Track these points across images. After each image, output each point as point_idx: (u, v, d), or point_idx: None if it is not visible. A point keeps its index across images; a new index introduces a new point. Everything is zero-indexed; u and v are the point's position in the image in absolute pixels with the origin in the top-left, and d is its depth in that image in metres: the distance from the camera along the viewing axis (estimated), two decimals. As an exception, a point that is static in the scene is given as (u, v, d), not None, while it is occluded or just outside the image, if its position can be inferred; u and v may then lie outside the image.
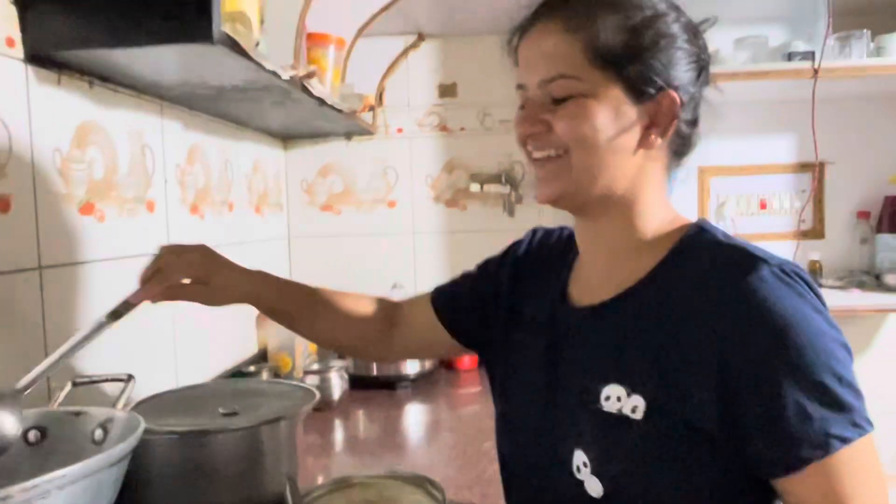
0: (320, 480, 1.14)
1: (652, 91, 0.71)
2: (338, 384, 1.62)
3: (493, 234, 2.11)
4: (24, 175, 0.97)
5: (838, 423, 0.60)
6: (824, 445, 0.60)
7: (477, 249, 2.06)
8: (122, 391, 0.80)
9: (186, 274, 0.88)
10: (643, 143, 0.72)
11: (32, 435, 0.75)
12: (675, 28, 0.72)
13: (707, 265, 0.68)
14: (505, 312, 0.90)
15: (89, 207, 1.12)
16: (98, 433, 0.72)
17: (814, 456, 0.60)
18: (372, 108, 2.04)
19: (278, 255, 2.08)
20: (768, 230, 2.10)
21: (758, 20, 1.88)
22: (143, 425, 0.65)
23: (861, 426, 0.61)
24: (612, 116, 0.70)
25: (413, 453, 1.33)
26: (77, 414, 0.74)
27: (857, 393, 0.62)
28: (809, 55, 1.70)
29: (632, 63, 0.70)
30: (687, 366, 0.66)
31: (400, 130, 2.13)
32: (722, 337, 0.64)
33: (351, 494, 1.05)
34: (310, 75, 1.33)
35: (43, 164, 1.01)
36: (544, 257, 0.90)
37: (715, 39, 1.97)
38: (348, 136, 2.11)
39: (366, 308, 1.02)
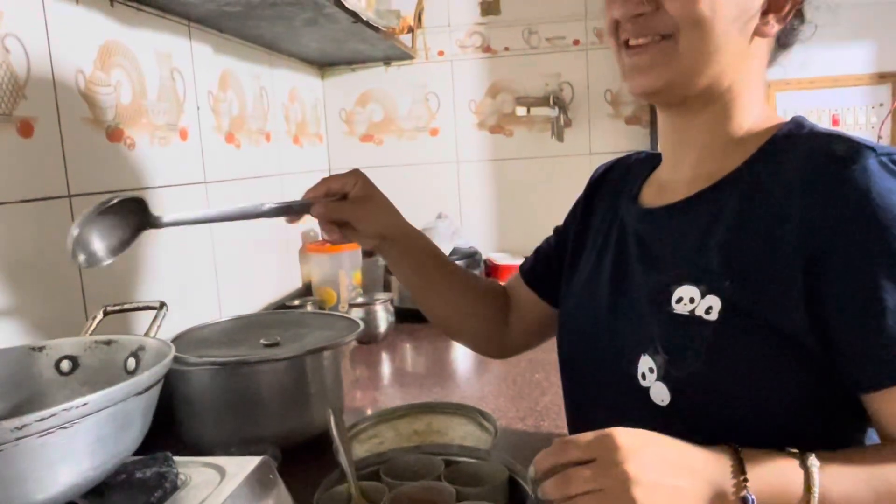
0: (368, 413, 1.11)
1: None
2: (383, 317, 1.58)
3: (541, 160, 2.01)
4: (45, 98, 0.91)
5: None
6: None
7: (524, 177, 2.01)
8: (154, 319, 0.76)
9: (349, 186, 0.82)
10: (759, 29, 0.65)
11: (65, 364, 0.71)
12: None
13: (803, 158, 0.61)
14: (578, 233, 0.85)
15: (118, 134, 1.07)
16: (130, 362, 0.69)
17: None
18: (411, 31, 1.92)
19: (319, 188, 2.02)
20: (841, 148, 1.94)
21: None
22: (172, 352, 0.61)
23: None
24: None
25: (462, 386, 1.29)
26: (108, 343, 0.70)
27: None
28: (897, -54, 1.52)
29: None
30: (773, 264, 0.59)
31: (441, 53, 2.02)
32: (816, 231, 0.57)
33: (399, 426, 1.01)
34: (342, -14, 1.23)
35: (66, 85, 0.95)
36: (620, 175, 0.85)
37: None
38: (387, 61, 2.01)
39: (491, 287, 0.96)
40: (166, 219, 0.73)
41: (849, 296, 0.56)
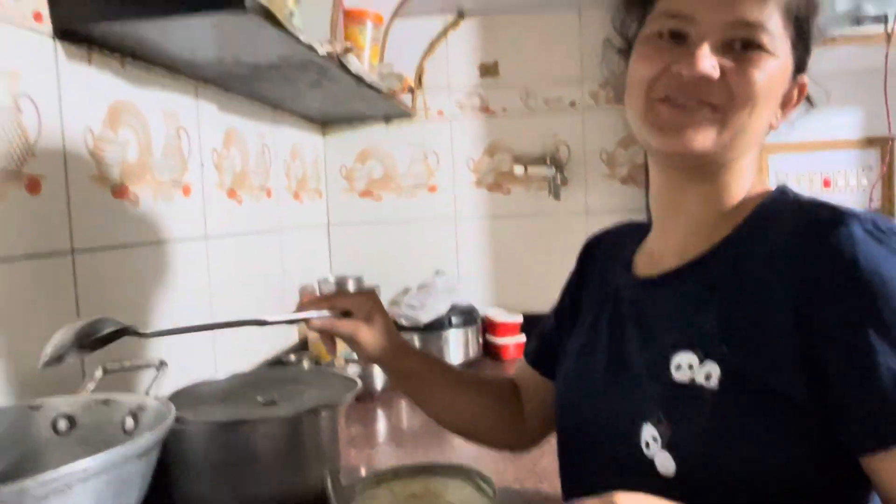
0: (363, 473, 1.09)
1: (801, 70, 0.69)
2: (380, 374, 1.57)
3: (538, 218, 2.03)
4: (54, 155, 0.93)
5: None
6: None
7: (521, 234, 2.03)
8: (154, 378, 0.75)
9: (354, 304, 0.86)
10: (772, 121, 0.70)
11: (62, 423, 0.71)
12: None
13: (790, 225, 0.63)
14: (572, 305, 0.86)
15: (123, 190, 1.08)
16: (129, 422, 0.68)
17: None
18: (411, 91, 1.97)
19: (318, 243, 2.04)
20: (833, 210, 1.97)
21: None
22: (172, 414, 0.60)
23: None
24: (780, 84, 0.67)
25: (459, 445, 1.27)
26: (106, 402, 0.70)
27: None
28: (881, 19, 1.58)
29: (807, 35, 0.68)
30: (768, 330, 0.60)
31: (440, 113, 2.06)
32: (808, 297, 0.58)
33: (395, 488, 0.99)
34: (347, 51, 1.27)
35: (74, 144, 0.97)
36: (610, 245, 0.87)
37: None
38: (387, 119, 2.06)
39: (499, 384, 0.97)
40: (152, 331, 0.76)
41: (843, 360, 0.57)
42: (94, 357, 0.95)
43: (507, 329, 1.94)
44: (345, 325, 0.85)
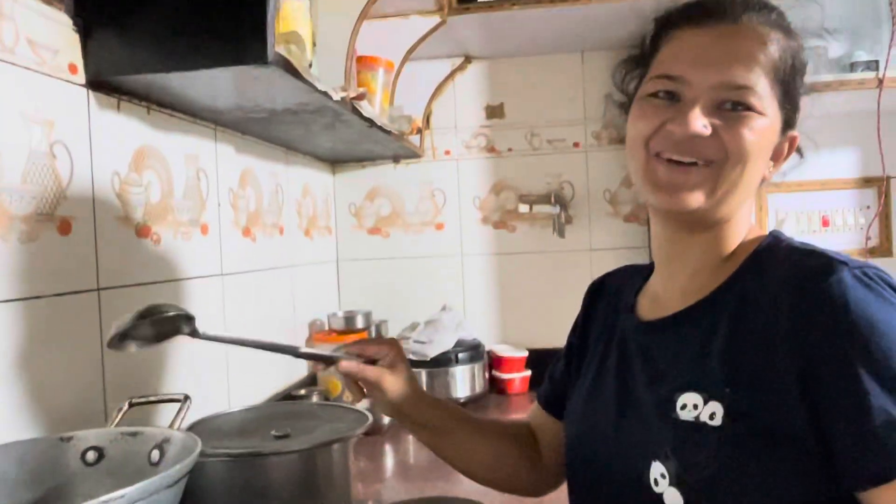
0: (373, 506, 1.11)
1: (790, 127, 0.73)
2: (388, 408, 1.60)
3: (543, 255, 2.08)
4: (84, 198, 0.98)
5: None
6: None
7: (526, 271, 2.07)
8: (179, 411, 0.79)
9: (382, 354, 0.89)
10: (765, 173, 0.74)
11: (91, 455, 0.74)
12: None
13: (784, 271, 0.67)
14: (579, 348, 0.90)
15: (146, 230, 1.13)
16: (155, 454, 0.72)
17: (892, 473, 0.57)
18: (419, 131, 2.04)
19: (327, 279, 2.08)
20: (833, 247, 2.00)
21: (816, 31, 1.81)
22: (199, 446, 0.64)
23: None
24: (769, 141, 0.71)
25: (467, 480, 1.29)
26: (134, 434, 0.73)
27: None
28: (873, 65, 1.64)
29: (794, 94, 0.72)
30: (768, 371, 0.63)
31: (448, 152, 2.12)
32: (803, 342, 0.62)
33: (404, 522, 1.02)
34: (360, 97, 1.33)
35: (102, 187, 1.02)
36: (614, 287, 0.91)
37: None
38: (396, 159, 2.12)
39: (515, 429, 0.99)
40: (204, 333, 0.79)
41: (838, 401, 0.60)
42: (121, 392, 1.00)
43: (512, 364, 1.97)
44: (371, 372, 0.87)
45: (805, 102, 0.76)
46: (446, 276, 2.11)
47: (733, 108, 0.69)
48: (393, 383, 0.88)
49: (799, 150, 0.78)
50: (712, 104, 0.69)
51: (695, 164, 0.70)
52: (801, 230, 2.03)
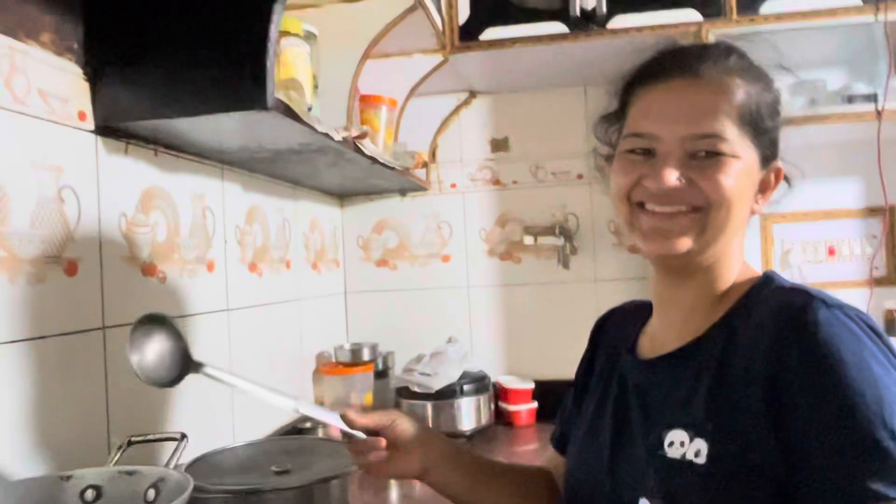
0: (373, 542, 1.12)
1: (771, 160, 0.76)
2: (392, 441, 1.60)
3: (548, 286, 2.09)
4: (90, 240, 1.02)
5: (882, 478, 0.58)
6: (861, 499, 0.58)
7: (532, 302, 2.08)
8: (175, 450, 0.81)
9: (412, 430, 0.87)
10: (752, 207, 0.76)
11: (90, 493, 0.76)
12: (782, 102, 0.77)
13: (770, 309, 0.69)
14: (584, 385, 0.92)
15: (152, 269, 1.16)
16: (150, 493, 0.74)
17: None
18: (425, 165, 2.07)
19: (335, 311, 2.11)
20: (839, 278, 2.00)
21: (814, 64, 1.83)
22: (191, 487, 0.66)
23: None
24: (749, 179, 0.74)
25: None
26: (131, 473, 0.75)
27: None
28: (872, 97, 1.65)
29: (767, 133, 0.74)
30: (746, 407, 0.65)
31: (453, 186, 2.15)
32: (775, 376, 0.64)
33: (403, 558, 1.02)
34: (362, 136, 1.37)
35: (109, 228, 1.06)
36: (617, 325, 0.93)
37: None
38: (402, 192, 2.15)
39: (537, 473, 0.99)
40: (207, 370, 0.81)
41: (804, 440, 0.62)
42: (124, 428, 1.02)
43: (519, 396, 1.97)
44: (379, 457, 0.86)
45: (787, 133, 0.79)
46: (453, 307, 2.13)
47: (707, 156, 0.71)
48: (407, 462, 0.86)
49: (787, 179, 0.80)
50: (685, 155, 0.72)
51: (680, 210, 0.72)
52: (808, 260, 2.03)
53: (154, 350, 0.79)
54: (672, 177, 0.71)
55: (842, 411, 0.60)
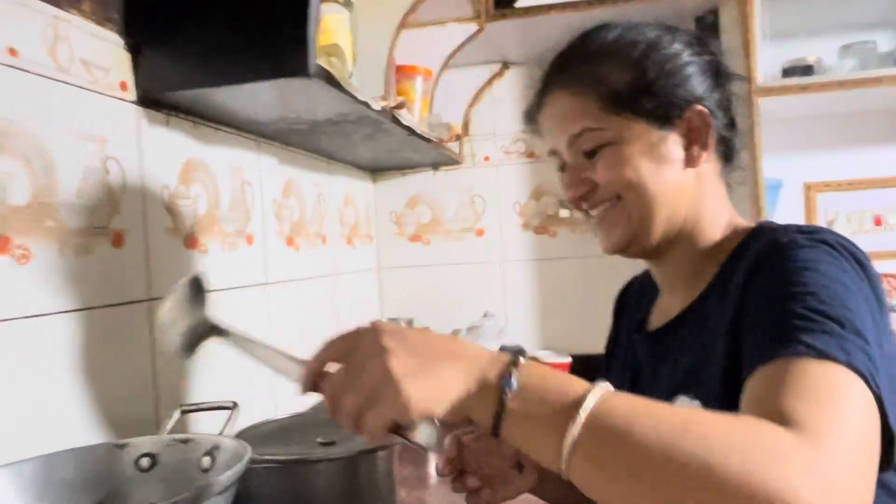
0: (418, 513, 1.12)
1: (677, 112, 0.72)
2: (431, 415, 1.60)
3: (584, 259, 2.06)
4: (135, 211, 1.01)
5: (823, 340, 0.53)
6: (794, 347, 0.53)
7: (567, 276, 2.06)
8: (228, 418, 0.81)
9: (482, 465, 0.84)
10: (689, 161, 0.73)
11: (145, 461, 0.77)
12: (677, 47, 0.74)
13: (754, 252, 0.68)
14: (610, 355, 0.94)
15: (194, 241, 1.16)
16: (206, 460, 0.73)
17: (779, 353, 0.53)
18: (458, 138, 2.04)
19: (369, 287, 2.10)
20: (885, 248, 1.94)
21: (864, 26, 1.77)
22: (249, 453, 0.65)
23: (854, 360, 0.51)
24: (647, 152, 0.72)
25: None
26: (185, 441, 0.75)
27: (864, 341, 0.53)
28: (925, 59, 1.59)
29: (644, 96, 0.72)
30: (723, 347, 0.65)
31: (487, 159, 2.12)
32: (743, 301, 0.64)
33: (450, 528, 1.02)
34: (400, 106, 1.34)
35: (153, 200, 1.05)
36: (635, 296, 0.93)
37: (817, 47, 1.86)
38: (435, 166, 2.13)
39: None
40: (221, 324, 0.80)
41: (756, 316, 0.61)
42: (171, 399, 1.02)
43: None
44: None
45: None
46: (487, 282, 2.11)
47: (592, 152, 0.73)
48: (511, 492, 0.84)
49: (728, 143, 0.77)
50: (578, 160, 0.74)
51: (605, 206, 0.74)
52: (853, 230, 1.97)
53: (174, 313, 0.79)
54: (575, 190, 0.75)
55: (798, 301, 0.57)
